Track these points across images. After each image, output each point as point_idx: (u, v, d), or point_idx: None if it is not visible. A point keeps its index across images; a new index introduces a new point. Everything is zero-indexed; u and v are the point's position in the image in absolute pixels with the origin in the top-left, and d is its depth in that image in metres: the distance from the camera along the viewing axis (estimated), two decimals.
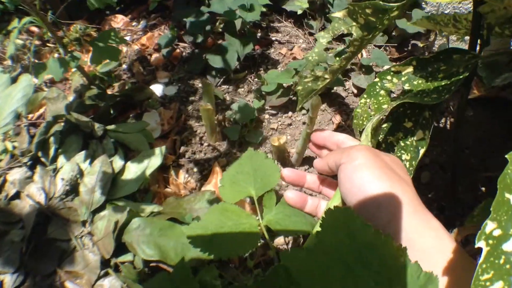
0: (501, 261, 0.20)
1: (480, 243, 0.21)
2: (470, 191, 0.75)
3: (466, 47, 0.92)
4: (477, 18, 0.49)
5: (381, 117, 0.54)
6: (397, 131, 0.58)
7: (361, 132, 0.55)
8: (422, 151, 0.52)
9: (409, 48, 0.97)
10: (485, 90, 0.89)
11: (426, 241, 0.29)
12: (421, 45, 0.96)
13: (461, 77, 0.48)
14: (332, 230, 0.28)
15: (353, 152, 0.35)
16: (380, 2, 0.48)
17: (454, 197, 0.71)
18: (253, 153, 0.57)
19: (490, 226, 0.21)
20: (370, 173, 0.33)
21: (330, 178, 0.49)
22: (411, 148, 0.54)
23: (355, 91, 0.87)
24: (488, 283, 0.20)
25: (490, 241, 0.21)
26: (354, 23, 0.53)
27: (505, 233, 0.21)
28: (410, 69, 0.55)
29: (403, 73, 0.55)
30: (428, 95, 0.49)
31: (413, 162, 0.52)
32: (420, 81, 0.53)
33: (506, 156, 0.22)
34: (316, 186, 0.47)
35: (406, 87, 0.52)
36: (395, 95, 0.57)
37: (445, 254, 0.28)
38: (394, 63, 0.94)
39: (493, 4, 0.45)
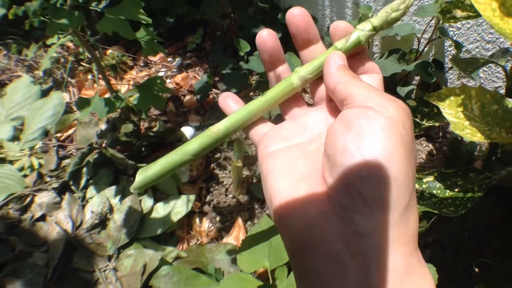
0: None
1: None
2: (465, 272, 0.82)
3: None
4: (494, 147, 0.57)
5: None
6: None
7: None
8: None
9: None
10: None
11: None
12: (436, 124, 1.04)
13: (476, 196, 0.55)
14: None
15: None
16: None
17: (452, 276, 0.78)
18: (269, 221, 0.65)
19: None
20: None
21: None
22: None
23: None
24: None
25: None
26: None
27: None
28: (431, 178, 0.62)
29: (424, 180, 0.62)
30: (446, 206, 0.56)
31: None
32: (439, 191, 0.60)
33: None
34: None
35: (426, 195, 0.60)
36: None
37: None
38: None
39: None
